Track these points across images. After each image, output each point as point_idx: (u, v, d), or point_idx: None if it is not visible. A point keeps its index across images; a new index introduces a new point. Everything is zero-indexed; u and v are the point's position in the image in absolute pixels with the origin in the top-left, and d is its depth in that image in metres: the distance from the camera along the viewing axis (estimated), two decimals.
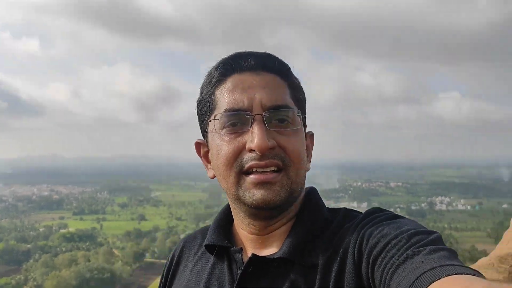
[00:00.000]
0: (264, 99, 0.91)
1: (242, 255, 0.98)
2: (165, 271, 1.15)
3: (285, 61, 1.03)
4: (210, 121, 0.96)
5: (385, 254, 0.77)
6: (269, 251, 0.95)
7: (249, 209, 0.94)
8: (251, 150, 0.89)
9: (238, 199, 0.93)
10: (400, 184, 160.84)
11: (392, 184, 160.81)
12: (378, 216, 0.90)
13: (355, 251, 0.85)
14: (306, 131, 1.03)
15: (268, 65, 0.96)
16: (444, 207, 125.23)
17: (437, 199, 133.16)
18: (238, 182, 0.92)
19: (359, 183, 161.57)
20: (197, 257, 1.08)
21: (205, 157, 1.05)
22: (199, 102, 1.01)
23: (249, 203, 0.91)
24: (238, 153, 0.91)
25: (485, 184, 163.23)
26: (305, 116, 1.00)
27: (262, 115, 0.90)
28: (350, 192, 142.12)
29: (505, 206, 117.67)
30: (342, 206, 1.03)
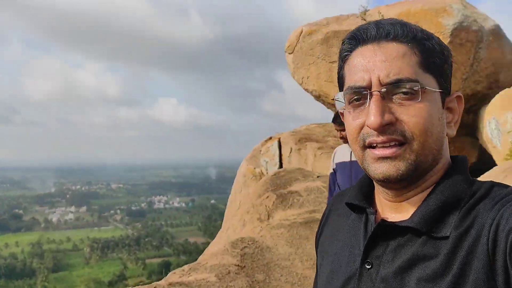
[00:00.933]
0: (383, 74, 0.84)
1: (375, 217, 0.95)
2: (322, 218, 1.17)
3: None
4: (338, 100, 0.94)
5: None
6: (402, 216, 0.90)
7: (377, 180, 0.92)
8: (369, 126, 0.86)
9: (365, 170, 0.92)
10: (121, 185, 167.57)
11: (113, 186, 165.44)
12: None
13: (491, 230, 0.76)
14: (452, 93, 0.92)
15: (392, 33, 0.87)
16: (162, 205, 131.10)
17: (156, 198, 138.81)
18: (363, 155, 0.89)
19: (78, 186, 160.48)
20: (342, 211, 1.07)
21: None
22: (338, 74, 0.98)
23: (372, 177, 0.90)
24: (360, 128, 0.88)
25: (197, 183, 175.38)
26: (444, 80, 0.89)
27: (379, 91, 0.84)
28: (68, 196, 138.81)
29: (212, 201, 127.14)
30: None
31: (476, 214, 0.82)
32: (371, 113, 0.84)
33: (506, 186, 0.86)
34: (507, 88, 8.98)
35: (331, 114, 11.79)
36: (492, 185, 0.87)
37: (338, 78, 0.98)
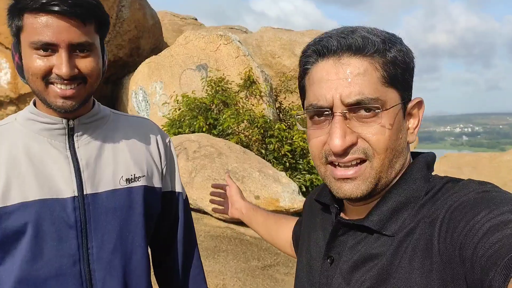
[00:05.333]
0: (344, 94, 0.83)
1: (336, 214, 1.00)
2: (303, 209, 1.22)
3: None
4: (300, 114, 0.95)
5: (470, 243, 0.71)
6: (360, 215, 0.94)
7: None
8: None
9: (328, 187, 0.93)
10: None
11: None
12: (469, 191, 0.81)
13: (436, 230, 0.78)
14: (413, 98, 0.92)
15: (353, 46, 0.85)
16: None
17: None
18: (325, 172, 0.91)
19: None
20: (315, 206, 1.12)
21: None
22: (298, 79, 0.98)
23: (334, 194, 0.92)
24: (322, 145, 0.89)
25: None
26: (404, 89, 0.89)
27: (341, 112, 0.84)
28: None
29: None
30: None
31: (425, 213, 0.84)
32: (334, 136, 0.85)
33: (458, 181, 0.89)
34: (153, 56, 8.14)
35: None
36: (447, 181, 0.90)
37: (299, 87, 0.99)
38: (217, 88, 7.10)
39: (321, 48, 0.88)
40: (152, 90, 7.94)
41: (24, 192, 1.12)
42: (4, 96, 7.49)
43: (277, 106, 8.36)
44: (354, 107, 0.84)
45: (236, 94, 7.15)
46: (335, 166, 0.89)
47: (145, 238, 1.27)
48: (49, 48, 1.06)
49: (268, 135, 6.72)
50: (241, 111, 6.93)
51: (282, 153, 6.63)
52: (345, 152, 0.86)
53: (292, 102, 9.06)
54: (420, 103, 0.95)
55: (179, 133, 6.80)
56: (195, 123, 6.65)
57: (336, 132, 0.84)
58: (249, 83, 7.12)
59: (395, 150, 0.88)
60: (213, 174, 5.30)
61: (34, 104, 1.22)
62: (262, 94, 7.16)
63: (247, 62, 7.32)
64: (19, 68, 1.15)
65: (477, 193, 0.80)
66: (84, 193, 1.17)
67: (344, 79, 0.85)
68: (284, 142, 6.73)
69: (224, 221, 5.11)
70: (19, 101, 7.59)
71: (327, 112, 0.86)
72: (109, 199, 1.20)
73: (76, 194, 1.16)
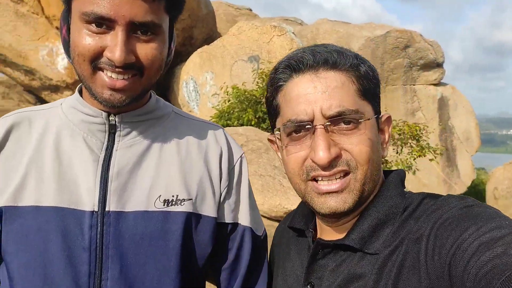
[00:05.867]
0: (325, 107, 0.84)
1: (314, 238, 0.98)
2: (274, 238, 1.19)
3: None
4: (275, 131, 0.95)
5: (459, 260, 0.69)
6: (339, 235, 0.92)
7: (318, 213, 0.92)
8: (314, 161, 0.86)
9: (308, 204, 0.91)
10: None
11: None
12: (451, 207, 0.79)
13: (423, 248, 0.77)
14: (382, 114, 0.94)
15: (329, 61, 0.86)
16: None
17: None
18: (306, 188, 0.89)
19: None
20: (288, 234, 1.09)
21: (280, 151, 1.00)
22: (267, 99, 0.98)
23: (317, 211, 0.90)
24: (303, 161, 0.87)
25: None
26: (377, 103, 0.92)
27: (323, 125, 0.84)
28: None
29: None
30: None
31: (408, 229, 0.83)
32: (319, 149, 0.84)
33: (437, 197, 0.88)
34: (205, 46, 8.04)
35: None
36: (424, 196, 0.89)
37: (270, 107, 0.97)
38: None
39: (296, 63, 0.89)
40: (202, 81, 7.86)
41: (40, 195, 0.91)
42: (61, 81, 7.68)
43: None
44: (335, 119, 0.85)
45: None
46: (316, 181, 0.89)
47: (180, 281, 0.97)
48: (103, 23, 0.83)
49: None
50: None
51: None
52: (330, 165, 0.85)
53: None
54: (389, 118, 0.98)
55: (228, 125, 6.67)
56: (244, 115, 6.48)
57: (320, 144, 0.84)
58: None
59: (375, 162, 0.90)
60: (259, 169, 5.11)
61: (81, 90, 1.00)
62: None
63: None
64: (65, 44, 0.91)
65: (460, 209, 0.79)
66: (106, 209, 0.91)
67: (323, 92, 0.85)
68: None
69: (269, 218, 4.93)
70: (74, 87, 7.75)
71: (309, 126, 0.86)
72: (137, 222, 0.93)
73: (96, 209, 0.91)
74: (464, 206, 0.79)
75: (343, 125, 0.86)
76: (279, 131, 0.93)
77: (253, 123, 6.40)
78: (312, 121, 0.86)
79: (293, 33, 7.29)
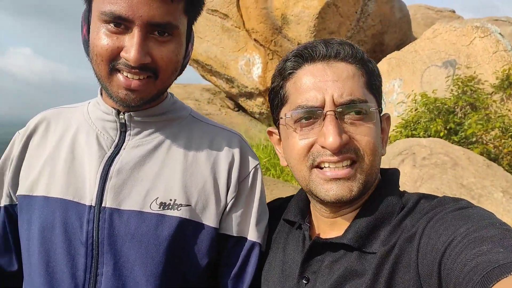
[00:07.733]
0: (336, 94, 0.86)
1: (310, 232, 0.98)
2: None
3: None
4: (281, 118, 0.96)
5: (448, 258, 0.70)
6: (336, 232, 0.93)
7: (322, 200, 0.92)
8: (323, 146, 0.87)
9: (311, 192, 0.92)
10: None
11: None
12: (446, 208, 0.81)
13: (415, 246, 0.79)
14: (382, 113, 0.97)
15: (341, 53, 0.90)
16: None
17: None
18: (310, 176, 0.90)
19: None
20: (281, 225, 1.08)
21: (278, 144, 1.03)
22: (271, 92, 0.99)
23: (322, 198, 0.90)
24: (310, 147, 0.89)
25: None
26: (380, 100, 0.94)
27: (334, 111, 0.86)
28: None
29: None
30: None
31: (404, 228, 0.86)
32: (330, 134, 0.86)
33: (433, 198, 0.90)
34: (394, 52, 7.63)
35: None
36: (420, 197, 0.92)
37: (276, 96, 0.99)
38: (465, 88, 6.11)
39: (308, 53, 0.93)
40: (389, 88, 7.47)
41: (50, 186, 0.97)
42: (255, 88, 8.32)
43: None
44: (346, 106, 0.89)
45: (489, 96, 6.01)
46: (321, 168, 0.91)
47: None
48: (122, 23, 0.85)
49: None
50: (492, 117, 5.80)
51: None
52: (339, 151, 0.88)
53: None
54: (388, 118, 1.04)
55: (412, 135, 6.19)
56: (431, 126, 5.90)
57: (331, 130, 0.87)
58: (508, 83, 5.87)
59: (379, 154, 0.94)
60: (442, 186, 4.56)
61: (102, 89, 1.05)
62: None
63: (508, 59, 6.04)
64: (85, 43, 0.95)
65: (454, 210, 0.81)
66: (103, 205, 0.93)
67: (335, 80, 0.90)
68: None
69: None
70: (266, 94, 8.31)
71: (319, 111, 0.89)
72: (131, 221, 0.93)
73: (93, 204, 0.93)
74: (458, 208, 0.81)
75: (354, 115, 0.90)
76: (287, 117, 0.94)
77: (441, 134, 5.80)
78: (323, 107, 0.89)
79: (499, 33, 6.31)
